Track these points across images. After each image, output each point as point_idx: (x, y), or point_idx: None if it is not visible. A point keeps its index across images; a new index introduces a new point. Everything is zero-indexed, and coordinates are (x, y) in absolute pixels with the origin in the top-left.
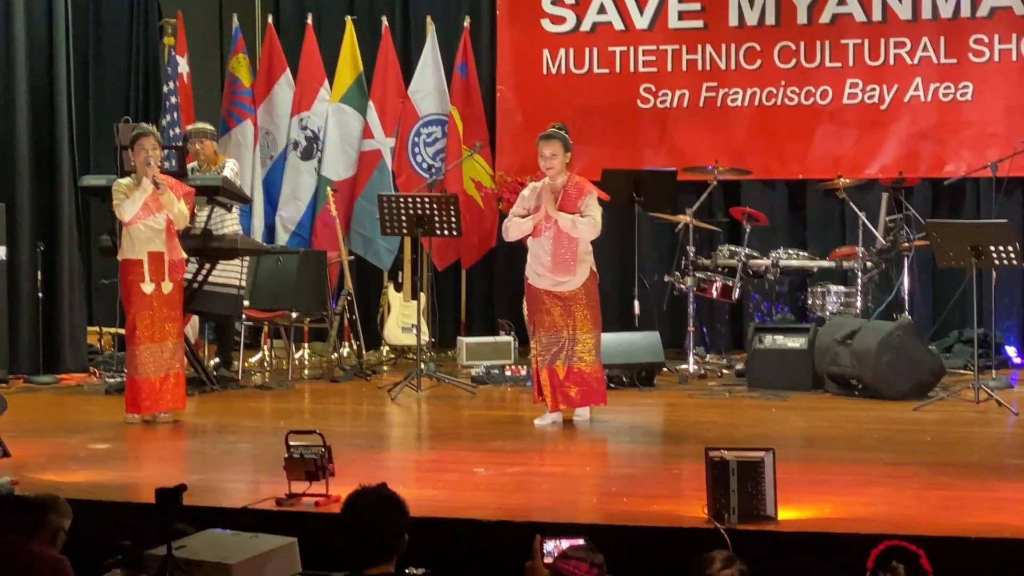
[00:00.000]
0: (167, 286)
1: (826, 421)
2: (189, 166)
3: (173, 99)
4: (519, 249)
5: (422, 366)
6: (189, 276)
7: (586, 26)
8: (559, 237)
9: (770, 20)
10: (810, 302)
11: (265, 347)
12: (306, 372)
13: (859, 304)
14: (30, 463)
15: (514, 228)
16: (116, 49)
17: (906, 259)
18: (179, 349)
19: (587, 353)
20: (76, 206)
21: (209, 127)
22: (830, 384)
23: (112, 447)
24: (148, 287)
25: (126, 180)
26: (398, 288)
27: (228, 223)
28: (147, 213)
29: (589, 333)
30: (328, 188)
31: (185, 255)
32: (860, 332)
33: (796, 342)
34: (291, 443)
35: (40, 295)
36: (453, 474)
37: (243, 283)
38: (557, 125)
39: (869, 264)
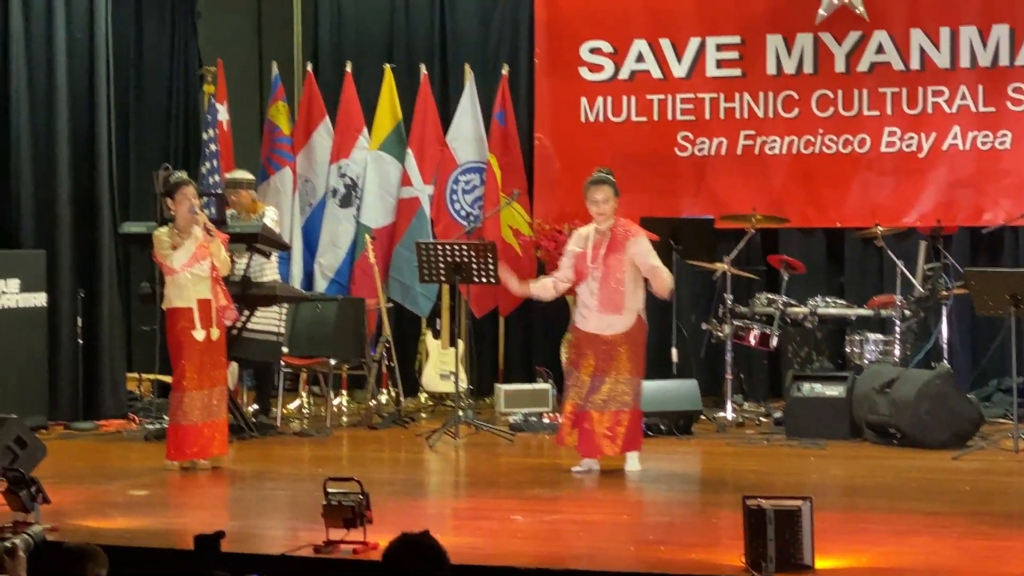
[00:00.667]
0: (215, 332)
1: (864, 470)
2: (228, 213)
3: (213, 146)
4: (558, 297)
5: (460, 413)
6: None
7: (624, 74)
8: (606, 278)
9: (808, 68)
10: (848, 350)
11: (303, 394)
12: (344, 419)
13: (897, 352)
14: (69, 509)
15: (536, 289)
16: (156, 96)
17: (944, 308)
18: (224, 396)
19: (628, 397)
20: (116, 253)
21: (246, 177)
22: (868, 433)
23: (151, 493)
24: (200, 334)
25: (164, 229)
26: (436, 335)
27: (268, 271)
28: (193, 261)
29: (631, 378)
30: (367, 235)
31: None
32: (898, 381)
33: (834, 390)
34: (329, 490)
35: (80, 341)
36: (491, 521)
37: (282, 330)
38: (604, 170)
39: (907, 312)
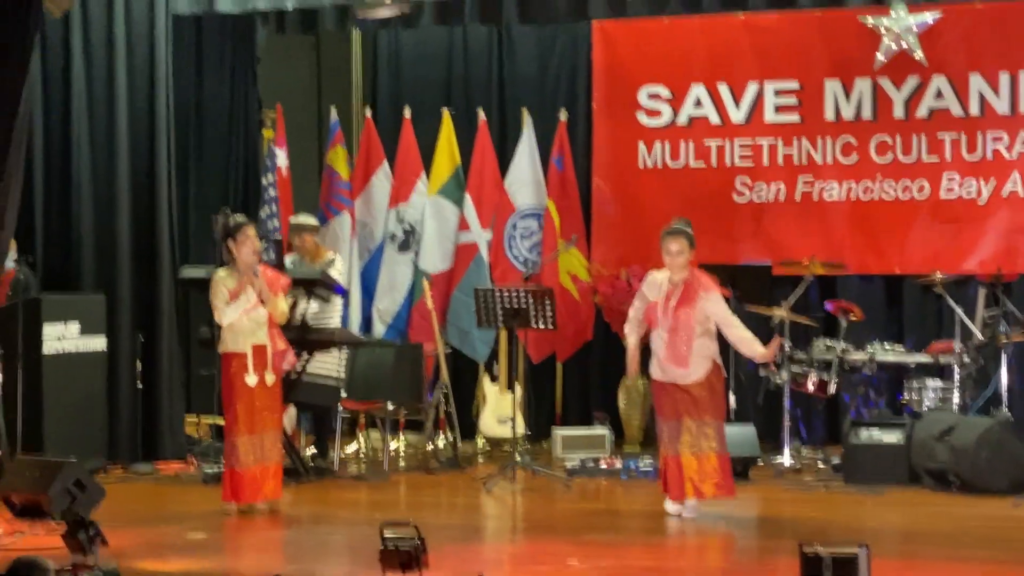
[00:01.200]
0: (270, 378)
1: (923, 517)
2: (289, 258)
3: (272, 191)
4: (614, 342)
5: (517, 458)
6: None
7: (682, 120)
8: (674, 331)
9: (866, 114)
10: (906, 397)
11: (361, 437)
12: (401, 463)
13: (956, 399)
14: (128, 551)
15: (632, 346)
16: (216, 141)
17: (1004, 354)
18: (278, 440)
19: (713, 440)
20: (175, 296)
21: (310, 222)
22: (927, 479)
23: (209, 536)
24: (252, 379)
25: (224, 272)
26: (494, 380)
27: (332, 316)
28: (250, 308)
29: (714, 421)
30: (425, 280)
31: (288, 346)
32: (958, 428)
33: (893, 437)
34: (386, 534)
35: (139, 385)
36: (547, 566)
37: (342, 374)
38: (682, 220)
39: (966, 359)
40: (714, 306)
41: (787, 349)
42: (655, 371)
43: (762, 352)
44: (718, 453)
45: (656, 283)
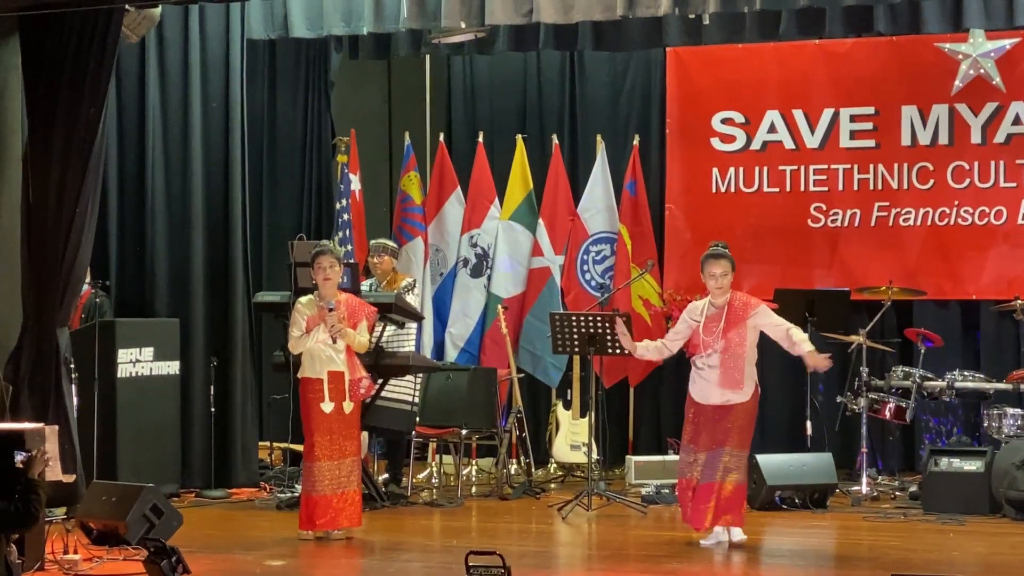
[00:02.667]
0: (348, 405)
1: (1006, 547)
2: (366, 284)
3: (345, 216)
4: (685, 368)
5: (592, 485)
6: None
7: (756, 145)
8: (727, 352)
9: (943, 140)
10: (986, 424)
11: (433, 463)
12: (474, 489)
13: None
14: None
15: (643, 351)
16: (290, 166)
17: None
18: (356, 467)
19: (739, 472)
20: (249, 322)
21: (391, 244)
22: (1008, 509)
23: (288, 564)
24: (328, 406)
25: (306, 299)
26: (567, 405)
27: (406, 341)
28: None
29: (740, 452)
30: (498, 305)
31: (366, 373)
32: None
33: (973, 465)
34: (471, 564)
35: (213, 409)
36: None
37: (416, 399)
38: (721, 244)
39: None
40: (767, 317)
41: (864, 376)
42: (699, 394)
43: (824, 362)
44: (743, 483)
45: (697, 309)
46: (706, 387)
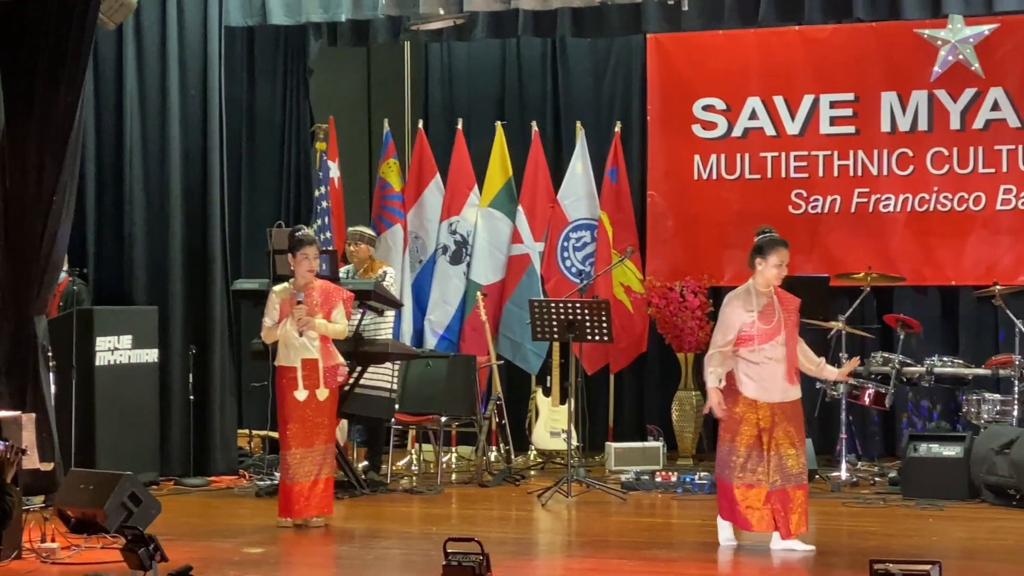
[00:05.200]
0: (322, 393)
1: (985, 532)
2: (343, 270)
3: (324, 203)
4: (667, 354)
5: (572, 471)
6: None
7: (737, 132)
8: (790, 344)
9: (923, 126)
10: (964, 410)
11: (412, 451)
12: (454, 476)
13: (1016, 413)
14: None
15: (715, 379)
16: (268, 154)
17: None
18: (329, 454)
19: (803, 472)
20: (228, 309)
21: (368, 232)
22: (987, 494)
23: (266, 551)
24: (301, 394)
25: (281, 287)
26: (546, 392)
27: (383, 328)
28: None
29: (802, 448)
30: (477, 292)
31: (343, 360)
32: (1018, 441)
33: (952, 451)
34: (449, 550)
35: (191, 397)
36: None
37: (395, 387)
38: (770, 228)
39: None
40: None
41: (844, 362)
42: (759, 392)
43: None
44: (805, 483)
45: (748, 298)
46: (770, 383)
